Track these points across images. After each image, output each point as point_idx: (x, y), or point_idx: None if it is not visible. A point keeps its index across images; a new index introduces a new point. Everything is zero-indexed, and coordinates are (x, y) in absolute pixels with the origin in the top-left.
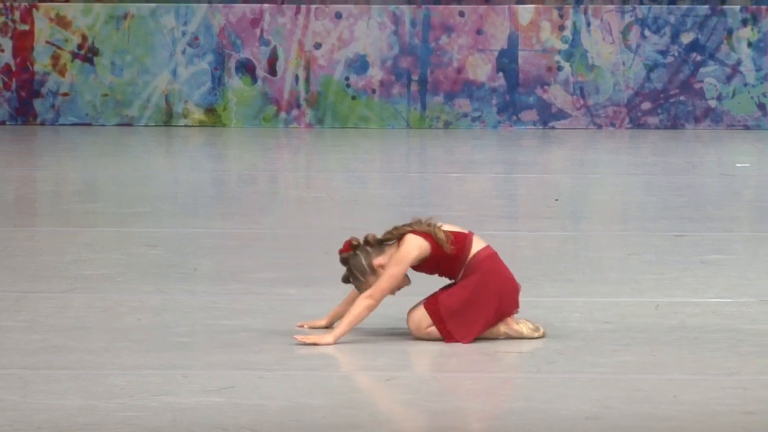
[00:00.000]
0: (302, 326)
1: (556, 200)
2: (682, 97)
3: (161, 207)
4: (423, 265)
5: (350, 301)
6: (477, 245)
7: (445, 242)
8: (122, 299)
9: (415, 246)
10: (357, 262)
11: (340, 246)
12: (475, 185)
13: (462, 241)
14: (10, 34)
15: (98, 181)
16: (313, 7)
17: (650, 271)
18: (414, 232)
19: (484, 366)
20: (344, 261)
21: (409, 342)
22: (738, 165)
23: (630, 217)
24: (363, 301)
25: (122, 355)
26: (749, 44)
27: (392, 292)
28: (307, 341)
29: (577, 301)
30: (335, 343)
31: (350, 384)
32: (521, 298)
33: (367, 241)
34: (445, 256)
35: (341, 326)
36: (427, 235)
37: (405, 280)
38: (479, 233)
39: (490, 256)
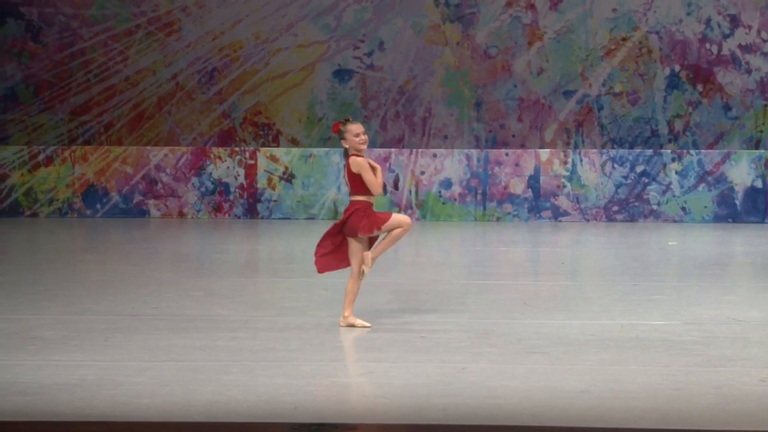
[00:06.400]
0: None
1: (563, 263)
2: (636, 204)
3: None
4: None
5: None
6: None
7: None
8: (307, 321)
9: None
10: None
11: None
12: (515, 255)
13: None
14: (243, 166)
15: (293, 251)
16: (420, 150)
17: (617, 305)
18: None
19: (520, 360)
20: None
21: (470, 349)
22: (669, 243)
23: (605, 273)
24: None
25: (307, 353)
26: (676, 172)
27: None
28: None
29: (574, 323)
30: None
31: (440, 371)
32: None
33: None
34: None
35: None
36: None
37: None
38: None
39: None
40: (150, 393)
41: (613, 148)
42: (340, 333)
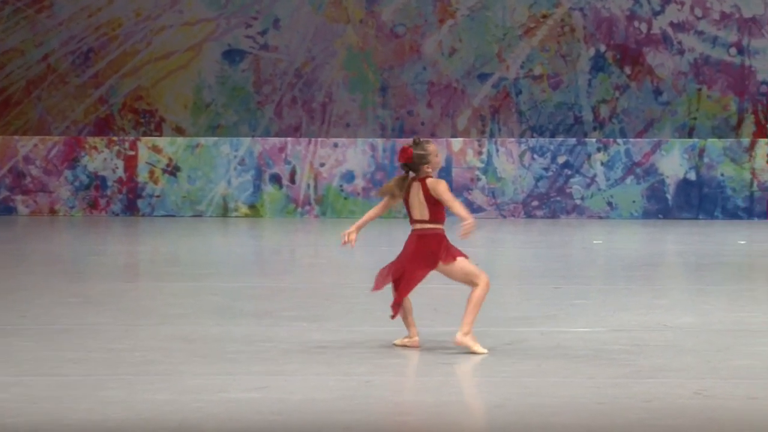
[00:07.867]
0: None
1: (476, 264)
2: (558, 198)
3: (220, 269)
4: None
5: (379, 209)
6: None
7: None
8: (194, 330)
9: None
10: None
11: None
12: None
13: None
14: (122, 157)
15: (179, 252)
16: (319, 139)
17: (538, 310)
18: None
19: (429, 372)
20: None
21: (375, 360)
22: (594, 242)
23: (524, 276)
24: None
25: (194, 366)
26: (602, 163)
27: None
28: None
29: (489, 330)
30: None
31: (342, 384)
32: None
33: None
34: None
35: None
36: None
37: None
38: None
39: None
40: (17, 411)
41: (532, 136)
42: (231, 344)
